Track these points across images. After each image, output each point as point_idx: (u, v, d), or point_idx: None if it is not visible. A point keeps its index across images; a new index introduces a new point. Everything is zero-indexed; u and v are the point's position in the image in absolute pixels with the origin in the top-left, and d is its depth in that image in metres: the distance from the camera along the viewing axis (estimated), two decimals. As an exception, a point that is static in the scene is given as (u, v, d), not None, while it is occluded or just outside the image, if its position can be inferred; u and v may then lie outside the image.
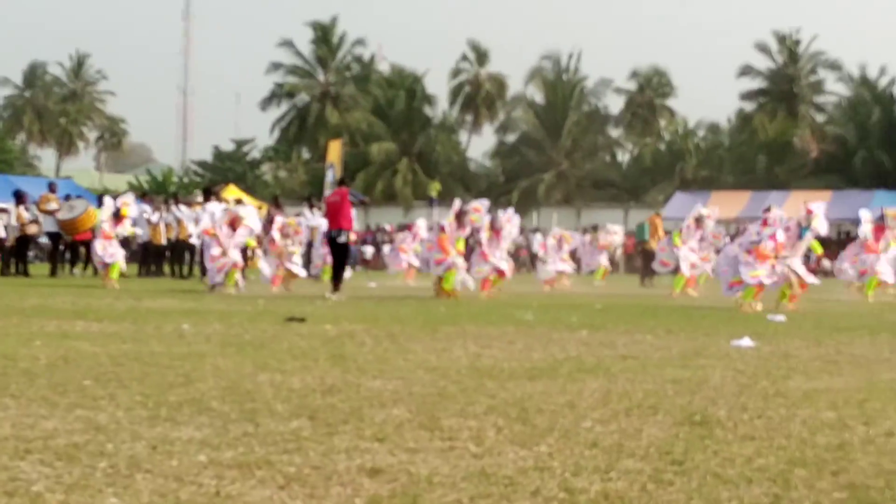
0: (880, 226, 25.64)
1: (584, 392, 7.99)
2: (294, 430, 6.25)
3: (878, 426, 6.75)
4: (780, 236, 19.93)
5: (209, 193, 31.15)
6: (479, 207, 23.25)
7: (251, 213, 23.97)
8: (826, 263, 25.56)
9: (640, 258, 37.69)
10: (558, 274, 30.81)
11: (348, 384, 8.19)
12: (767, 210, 21.07)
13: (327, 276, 23.62)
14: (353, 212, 23.22)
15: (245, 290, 22.89)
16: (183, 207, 33.13)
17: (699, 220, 27.53)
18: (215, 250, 22.84)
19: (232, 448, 5.70)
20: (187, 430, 6.19)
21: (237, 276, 22.97)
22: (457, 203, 23.54)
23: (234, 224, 23.02)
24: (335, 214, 22.32)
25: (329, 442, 5.91)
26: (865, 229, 25.84)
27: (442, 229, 23.14)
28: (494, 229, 23.69)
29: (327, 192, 37.08)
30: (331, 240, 22.57)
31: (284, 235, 25.17)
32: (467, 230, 23.35)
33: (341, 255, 22.52)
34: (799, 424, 6.76)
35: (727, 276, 20.44)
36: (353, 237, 23.03)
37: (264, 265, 25.25)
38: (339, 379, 8.48)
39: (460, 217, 23.03)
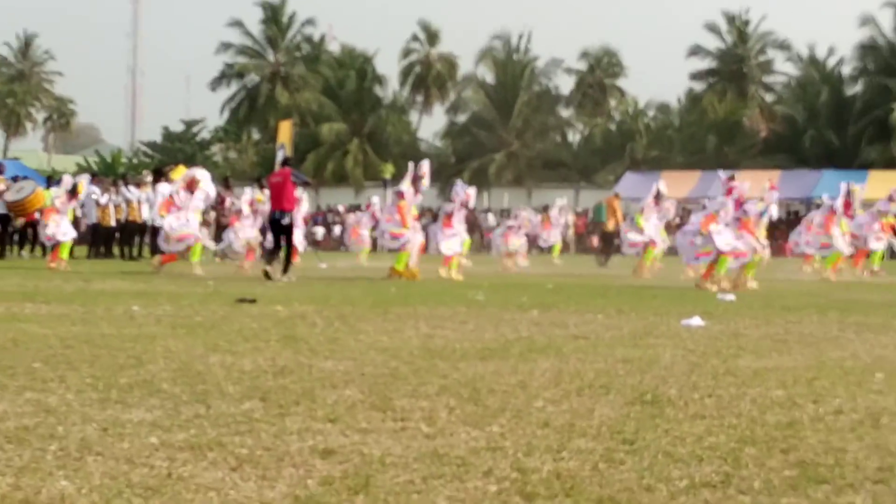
0: (847, 201, 25.87)
1: (536, 372, 8.02)
2: (246, 411, 6.23)
3: (827, 404, 6.81)
4: (750, 210, 20.13)
5: (159, 174, 30.96)
6: (425, 171, 23.24)
7: (205, 176, 23.80)
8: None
9: (596, 239, 37.88)
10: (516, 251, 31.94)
11: (300, 365, 8.18)
12: (731, 178, 21.06)
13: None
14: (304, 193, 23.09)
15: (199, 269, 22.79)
16: (132, 188, 32.93)
17: (658, 198, 27.66)
18: (168, 223, 22.72)
19: (183, 430, 5.68)
20: (138, 412, 6.17)
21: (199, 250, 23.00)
22: (411, 166, 23.45)
23: (191, 187, 22.91)
24: (278, 196, 22.04)
25: (281, 423, 5.90)
26: (839, 201, 25.97)
27: (401, 196, 23.08)
28: (462, 204, 23.76)
29: (277, 172, 36.93)
30: (273, 221, 22.29)
31: (254, 211, 25.13)
32: (420, 196, 23.42)
33: (286, 236, 22.21)
34: (749, 403, 6.81)
35: (694, 246, 20.41)
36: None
37: (223, 238, 25.32)
38: (291, 360, 8.47)
39: (416, 182, 23.04)
